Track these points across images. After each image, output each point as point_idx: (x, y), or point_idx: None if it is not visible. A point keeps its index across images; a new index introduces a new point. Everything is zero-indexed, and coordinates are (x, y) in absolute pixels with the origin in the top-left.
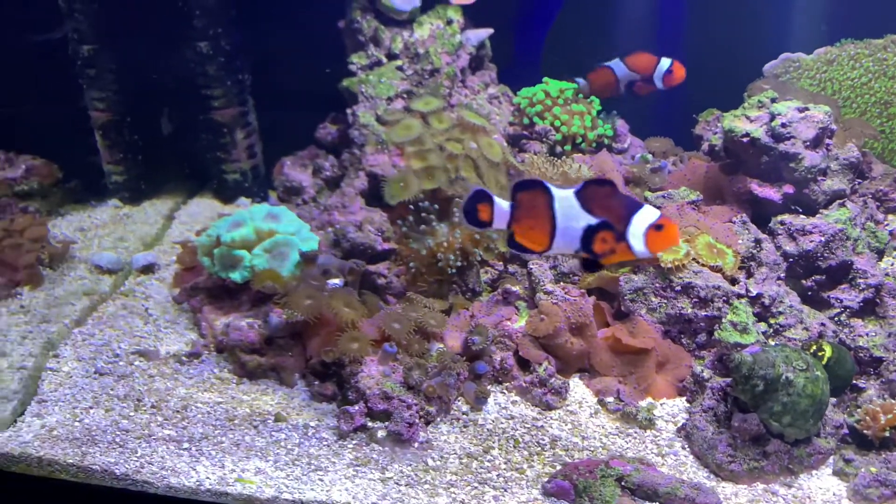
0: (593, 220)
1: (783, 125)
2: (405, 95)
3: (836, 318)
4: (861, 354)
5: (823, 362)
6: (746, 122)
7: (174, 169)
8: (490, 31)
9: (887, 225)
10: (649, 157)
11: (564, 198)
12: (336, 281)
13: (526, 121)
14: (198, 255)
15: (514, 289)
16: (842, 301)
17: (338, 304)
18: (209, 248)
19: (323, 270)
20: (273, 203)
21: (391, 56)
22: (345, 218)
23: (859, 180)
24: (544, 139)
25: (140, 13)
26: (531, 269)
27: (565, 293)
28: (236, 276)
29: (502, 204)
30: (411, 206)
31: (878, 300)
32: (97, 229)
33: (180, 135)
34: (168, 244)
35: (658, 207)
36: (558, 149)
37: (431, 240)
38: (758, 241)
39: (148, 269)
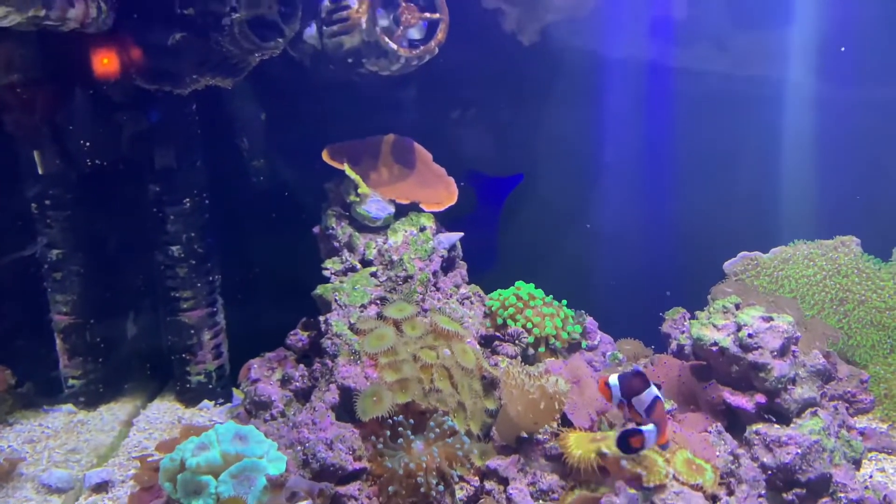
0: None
1: (750, 335)
2: (379, 301)
3: None
4: None
5: None
6: (714, 330)
7: (135, 369)
8: (461, 234)
9: (857, 425)
10: (619, 355)
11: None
12: None
13: (499, 321)
14: (160, 479)
15: None
16: None
17: None
18: (173, 473)
19: (290, 494)
20: (237, 403)
21: (365, 262)
22: (315, 436)
23: (826, 387)
24: (517, 341)
25: (112, 218)
26: (510, 493)
27: None
28: (200, 503)
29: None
30: (388, 421)
31: None
32: (48, 440)
33: (144, 336)
34: (124, 456)
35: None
36: (531, 351)
37: (406, 457)
38: (735, 457)
39: (101, 487)
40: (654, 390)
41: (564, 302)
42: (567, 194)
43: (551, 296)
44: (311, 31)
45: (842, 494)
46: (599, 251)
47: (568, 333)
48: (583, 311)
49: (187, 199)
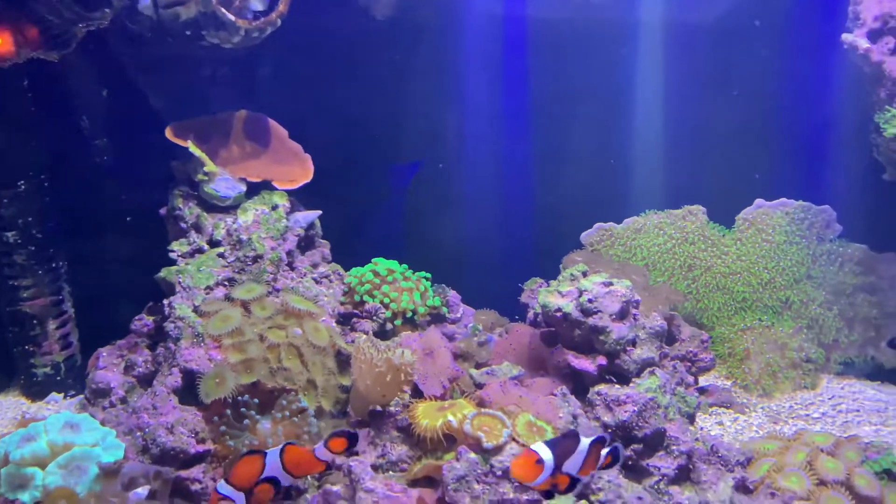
0: None
1: (590, 300)
2: (227, 283)
3: (655, 487)
4: None
5: None
6: (559, 297)
7: None
8: (319, 212)
9: (703, 382)
10: (479, 327)
11: None
12: (141, 491)
13: (357, 298)
14: None
15: (334, 489)
16: (659, 469)
17: None
18: None
19: (128, 480)
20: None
21: (213, 243)
22: (155, 420)
23: (667, 348)
24: (374, 317)
25: None
26: (351, 465)
27: (388, 489)
28: (26, 497)
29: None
30: (230, 402)
31: (691, 466)
32: None
33: None
34: None
35: (482, 385)
36: (389, 326)
37: (252, 437)
38: (574, 417)
39: None
40: (585, 443)
41: (422, 273)
42: (426, 169)
43: (414, 271)
44: (146, 2)
45: (674, 447)
46: (463, 226)
47: (426, 307)
48: (443, 285)
49: (22, 182)
